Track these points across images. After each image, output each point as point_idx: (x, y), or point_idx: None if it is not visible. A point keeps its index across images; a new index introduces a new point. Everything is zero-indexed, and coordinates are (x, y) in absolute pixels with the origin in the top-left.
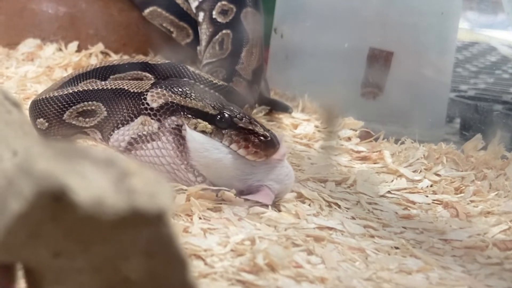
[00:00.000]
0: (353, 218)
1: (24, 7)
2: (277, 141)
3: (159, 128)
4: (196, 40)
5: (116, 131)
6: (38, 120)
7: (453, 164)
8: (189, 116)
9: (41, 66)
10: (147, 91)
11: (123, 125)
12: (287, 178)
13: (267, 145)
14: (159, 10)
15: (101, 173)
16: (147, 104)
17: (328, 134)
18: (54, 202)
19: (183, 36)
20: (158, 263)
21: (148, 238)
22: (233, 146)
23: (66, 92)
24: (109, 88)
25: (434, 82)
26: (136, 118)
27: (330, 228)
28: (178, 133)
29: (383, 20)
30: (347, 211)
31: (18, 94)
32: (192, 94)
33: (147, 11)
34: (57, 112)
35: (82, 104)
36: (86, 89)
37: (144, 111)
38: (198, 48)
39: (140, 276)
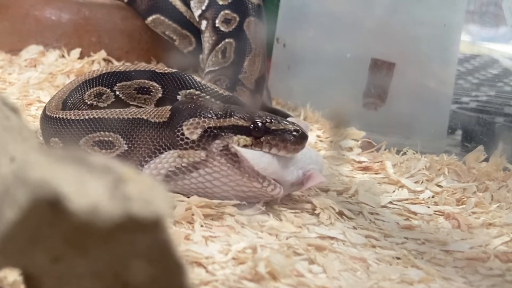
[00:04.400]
0: (354, 228)
1: (27, 13)
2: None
3: (207, 155)
4: (199, 48)
5: (146, 166)
6: (52, 139)
7: (455, 176)
8: (230, 134)
9: (44, 72)
10: (173, 124)
11: (151, 158)
12: (318, 157)
13: (302, 138)
14: (162, 18)
15: (97, 179)
16: (187, 138)
17: (333, 144)
18: (50, 209)
19: (186, 44)
20: (157, 269)
21: (145, 244)
22: (274, 150)
23: (82, 118)
24: (126, 118)
25: (436, 94)
26: (166, 150)
27: (332, 238)
28: (228, 153)
29: (385, 31)
30: (348, 220)
31: (21, 100)
32: (220, 113)
33: (150, 19)
34: (73, 137)
35: (98, 134)
36: (101, 117)
37: (186, 146)
38: (201, 56)
39: (139, 281)
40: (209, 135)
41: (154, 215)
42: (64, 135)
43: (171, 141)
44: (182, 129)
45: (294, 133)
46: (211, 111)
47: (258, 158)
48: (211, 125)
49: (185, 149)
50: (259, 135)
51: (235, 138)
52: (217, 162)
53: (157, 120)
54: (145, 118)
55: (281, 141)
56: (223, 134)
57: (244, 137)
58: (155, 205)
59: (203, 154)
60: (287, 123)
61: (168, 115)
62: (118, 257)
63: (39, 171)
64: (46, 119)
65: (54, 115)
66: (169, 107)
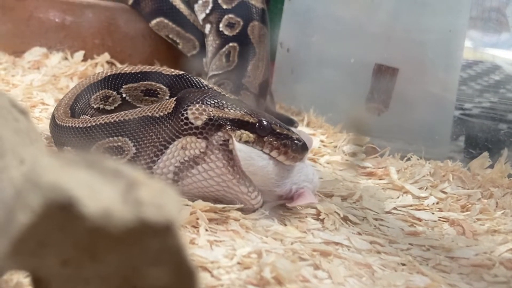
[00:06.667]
0: (359, 233)
1: (31, 15)
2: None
3: (207, 147)
4: (202, 52)
5: (155, 166)
6: (65, 147)
7: (459, 182)
8: (234, 128)
9: (47, 74)
10: (178, 110)
11: (158, 157)
12: (314, 176)
13: (303, 148)
14: (166, 21)
15: (109, 184)
16: (191, 123)
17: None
18: (62, 213)
19: (189, 47)
20: (167, 274)
21: (156, 249)
22: (274, 153)
23: (89, 125)
24: (132, 118)
25: (439, 99)
26: (171, 143)
27: (336, 243)
28: (226, 148)
29: (389, 36)
30: (353, 226)
31: (24, 102)
32: (227, 104)
33: (153, 22)
34: (84, 145)
35: (107, 140)
36: (108, 121)
37: (189, 131)
38: (204, 60)
39: (149, 286)
40: (213, 124)
41: (166, 220)
42: (74, 143)
43: (175, 130)
44: (186, 113)
45: (297, 142)
46: (218, 101)
47: (250, 160)
48: (216, 114)
49: (188, 134)
50: (263, 134)
51: (238, 132)
52: (214, 157)
53: (161, 114)
54: (150, 114)
55: (283, 146)
56: (227, 126)
57: (247, 132)
58: (167, 210)
59: (203, 144)
60: (293, 131)
61: (173, 106)
62: (128, 261)
63: (52, 175)
64: (57, 128)
65: (64, 124)
66: (174, 98)
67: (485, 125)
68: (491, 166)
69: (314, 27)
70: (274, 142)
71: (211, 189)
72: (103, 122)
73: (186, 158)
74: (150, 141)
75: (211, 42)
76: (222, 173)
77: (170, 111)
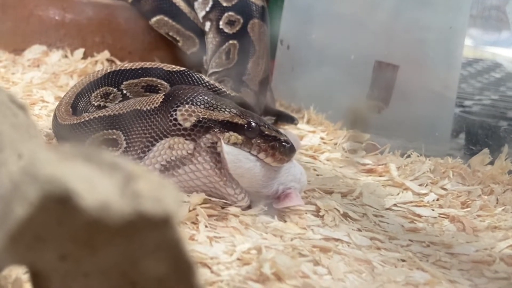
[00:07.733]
0: (359, 230)
1: (30, 13)
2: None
3: (194, 149)
4: (202, 49)
5: (142, 162)
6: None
7: (459, 179)
8: (223, 130)
9: (47, 72)
10: (166, 108)
11: (144, 153)
12: (302, 176)
13: (290, 150)
14: (165, 19)
15: (106, 177)
16: (179, 124)
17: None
18: (60, 206)
19: (189, 45)
20: (165, 267)
21: (155, 242)
22: (261, 155)
23: (83, 120)
24: (125, 112)
25: (439, 97)
26: (158, 141)
27: (336, 239)
28: (214, 151)
29: (389, 34)
30: (353, 222)
31: (24, 99)
32: (217, 104)
33: (153, 19)
34: (82, 140)
35: (101, 133)
36: (101, 115)
37: (177, 132)
38: (204, 57)
39: (147, 280)
40: (202, 126)
41: (164, 213)
42: (72, 139)
43: (163, 128)
44: (176, 114)
45: (284, 144)
46: (208, 101)
47: (238, 163)
48: (205, 116)
49: (176, 135)
50: (252, 136)
51: (227, 134)
52: (201, 159)
53: (148, 108)
54: (138, 108)
55: (271, 148)
56: (215, 128)
57: (236, 134)
58: (165, 203)
59: (191, 146)
60: (281, 133)
61: (160, 100)
62: (127, 255)
63: (50, 168)
64: (58, 126)
65: (64, 122)
66: (163, 93)
67: (485, 122)
68: (491, 163)
69: (314, 24)
70: (262, 144)
71: (197, 189)
72: (97, 116)
73: (172, 158)
74: (138, 135)
75: (211, 40)
76: (209, 175)
77: (157, 105)
